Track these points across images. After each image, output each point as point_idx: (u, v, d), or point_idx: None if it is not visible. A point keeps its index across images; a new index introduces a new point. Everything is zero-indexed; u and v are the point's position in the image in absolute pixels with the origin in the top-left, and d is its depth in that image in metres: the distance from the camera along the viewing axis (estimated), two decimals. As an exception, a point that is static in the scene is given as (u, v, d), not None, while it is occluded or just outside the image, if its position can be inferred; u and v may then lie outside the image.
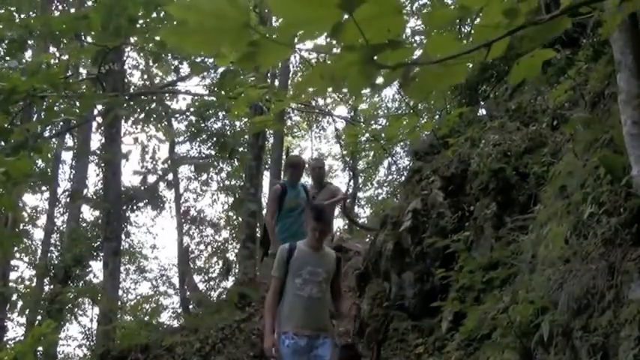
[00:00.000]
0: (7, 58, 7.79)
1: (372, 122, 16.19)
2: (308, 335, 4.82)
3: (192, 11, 1.59)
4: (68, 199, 16.52)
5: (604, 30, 3.16)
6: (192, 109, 13.08)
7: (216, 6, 1.57)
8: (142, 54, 12.91)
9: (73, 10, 12.00)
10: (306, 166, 8.68)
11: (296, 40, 1.66)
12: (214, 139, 13.54)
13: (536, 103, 7.16)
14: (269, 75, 14.25)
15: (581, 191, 3.89)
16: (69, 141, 17.03)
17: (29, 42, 7.46)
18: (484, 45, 1.73)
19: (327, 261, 5.03)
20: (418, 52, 1.79)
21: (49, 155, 14.83)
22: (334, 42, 1.65)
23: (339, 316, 5.43)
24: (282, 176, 15.15)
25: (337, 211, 11.58)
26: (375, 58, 1.63)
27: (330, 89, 1.81)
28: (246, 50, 1.64)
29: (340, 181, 24.91)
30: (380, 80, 1.74)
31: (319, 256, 5.01)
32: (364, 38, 1.59)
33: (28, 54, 10.10)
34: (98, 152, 15.96)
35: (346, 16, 1.57)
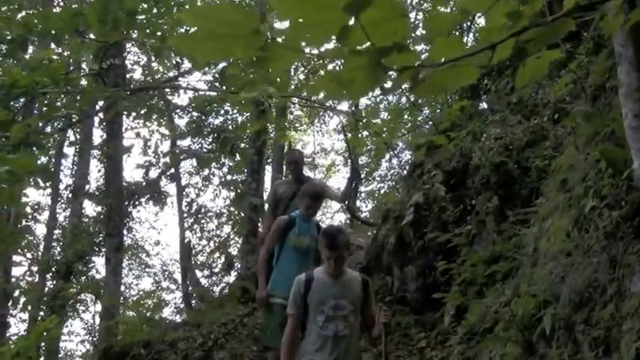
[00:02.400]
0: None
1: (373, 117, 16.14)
2: None
3: (204, 19, 1.62)
4: (70, 195, 16.53)
5: (605, 25, 3.15)
6: (193, 105, 13.11)
7: (227, 13, 1.59)
8: (142, 49, 12.89)
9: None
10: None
11: (303, 44, 1.67)
12: (215, 134, 13.51)
13: (538, 96, 7.16)
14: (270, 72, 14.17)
15: (583, 185, 3.89)
16: (71, 136, 17.04)
17: (30, 39, 7.46)
18: (488, 47, 1.74)
19: (351, 289, 4.29)
20: (424, 56, 1.80)
21: (51, 151, 14.85)
22: (341, 47, 1.66)
23: (373, 341, 5.04)
24: (283, 173, 15.14)
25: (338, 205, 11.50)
26: (382, 61, 1.63)
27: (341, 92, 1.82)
28: (257, 56, 1.66)
29: (343, 175, 24.86)
30: (389, 84, 1.75)
31: (341, 285, 4.26)
32: (370, 42, 1.59)
33: (30, 50, 10.09)
34: (100, 148, 15.95)
35: (352, 21, 1.58)
